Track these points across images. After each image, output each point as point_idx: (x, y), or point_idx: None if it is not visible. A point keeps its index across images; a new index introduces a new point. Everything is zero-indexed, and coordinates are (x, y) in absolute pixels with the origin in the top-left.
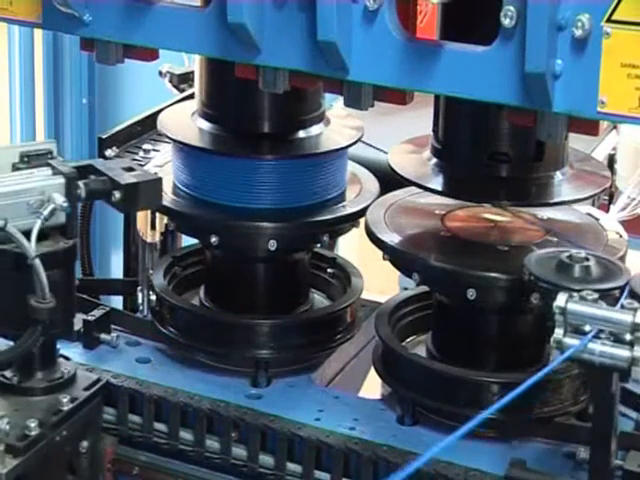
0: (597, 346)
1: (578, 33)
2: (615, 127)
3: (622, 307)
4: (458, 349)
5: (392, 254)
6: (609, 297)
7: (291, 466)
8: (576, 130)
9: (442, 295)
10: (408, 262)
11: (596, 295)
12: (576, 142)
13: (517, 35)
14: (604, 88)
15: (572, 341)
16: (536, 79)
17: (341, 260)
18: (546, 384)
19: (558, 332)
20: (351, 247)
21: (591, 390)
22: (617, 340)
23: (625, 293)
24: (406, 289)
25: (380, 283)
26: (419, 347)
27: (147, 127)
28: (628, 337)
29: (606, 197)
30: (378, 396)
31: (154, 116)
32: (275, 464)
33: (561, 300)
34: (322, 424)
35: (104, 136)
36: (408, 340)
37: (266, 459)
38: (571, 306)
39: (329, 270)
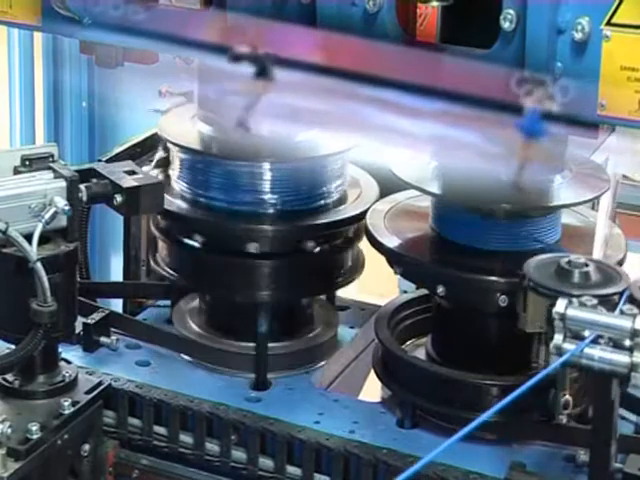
0: (596, 352)
1: (578, 36)
2: (614, 130)
3: (621, 313)
4: (458, 352)
5: (390, 256)
6: (608, 303)
7: (291, 469)
8: (576, 133)
9: (442, 298)
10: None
11: (595, 301)
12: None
13: (517, 38)
14: (604, 91)
15: (571, 346)
16: None
17: None
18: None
19: (557, 337)
20: None
21: (591, 396)
22: (616, 346)
23: (624, 298)
24: (406, 292)
25: (380, 286)
26: (419, 350)
27: (146, 149)
28: (627, 343)
29: None
30: (378, 399)
31: (153, 137)
32: (275, 467)
33: (560, 306)
34: (322, 427)
35: (104, 158)
36: (408, 343)
37: (266, 462)
38: (570, 312)
39: None
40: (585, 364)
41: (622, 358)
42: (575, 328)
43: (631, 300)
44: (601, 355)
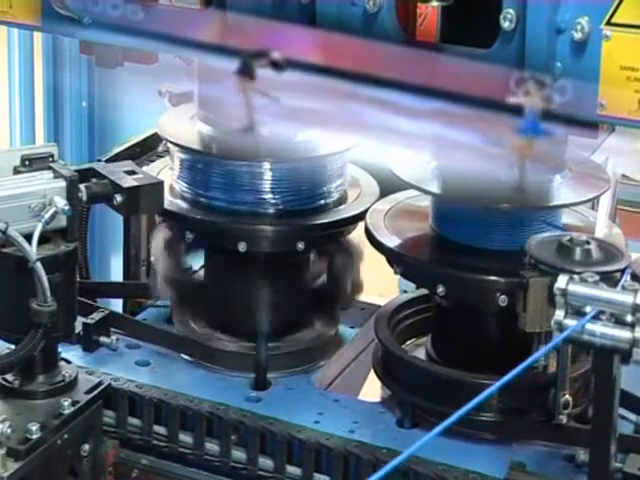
0: (598, 327)
1: (577, 36)
2: (614, 130)
3: (623, 288)
4: (457, 352)
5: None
6: (610, 280)
7: (290, 469)
8: (575, 133)
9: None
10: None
11: (597, 277)
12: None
13: (517, 38)
14: (604, 91)
15: (572, 322)
16: None
17: None
18: None
19: (559, 313)
20: None
21: (592, 373)
22: (618, 322)
23: (625, 275)
24: (405, 292)
25: (380, 286)
26: (418, 350)
27: (146, 148)
28: (629, 318)
29: None
30: (378, 399)
31: (153, 137)
32: (275, 467)
33: (562, 282)
34: (322, 427)
35: (104, 158)
36: (407, 343)
37: (266, 462)
38: (572, 287)
39: None
40: (587, 340)
41: (624, 334)
42: (576, 304)
43: (633, 277)
44: (603, 331)
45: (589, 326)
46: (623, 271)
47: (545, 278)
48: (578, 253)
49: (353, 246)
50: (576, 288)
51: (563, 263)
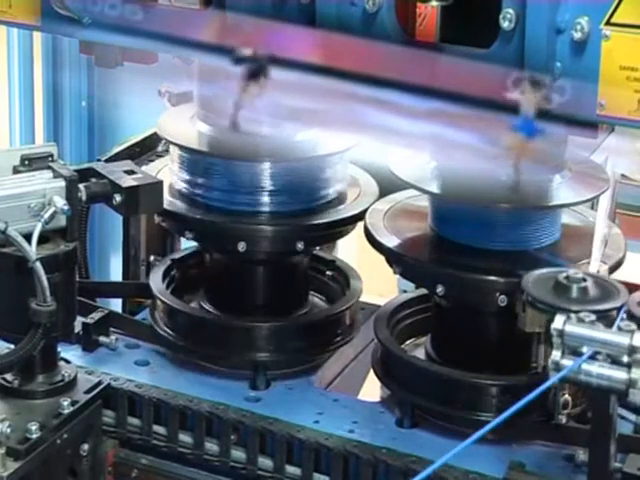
0: (594, 368)
1: (577, 36)
2: (614, 130)
3: (619, 329)
4: (457, 352)
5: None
6: (607, 318)
7: (290, 469)
8: (575, 133)
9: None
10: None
11: (593, 317)
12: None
13: (516, 37)
14: (603, 91)
15: (569, 362)
16: None
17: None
18: None
19: (555, 354)
20: (350, 250)
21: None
22: (614, 362)
23: (621, 314)
24: (405, 292)
25: (379, 286)
26: (418, 350)
27: (146, 148)
28: (625, 359)
29: None
30: (377, 399)
31: (153, 137)
32: (274, 467)
33: (559, 322)
34: (321, 427)
35: (103, 158)
36: (407, 343)
37: (265, 462)
38: (568, 328)
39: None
40: (583, 380)
41: (620, 374)
42: (573, 344)
43: (629, 316)
44: (599, 371)
45: (585, 366)
46: (619, 309)
47: None
48: (575, 291)
49: None
50: (573, 329)
51: (560, 302)
